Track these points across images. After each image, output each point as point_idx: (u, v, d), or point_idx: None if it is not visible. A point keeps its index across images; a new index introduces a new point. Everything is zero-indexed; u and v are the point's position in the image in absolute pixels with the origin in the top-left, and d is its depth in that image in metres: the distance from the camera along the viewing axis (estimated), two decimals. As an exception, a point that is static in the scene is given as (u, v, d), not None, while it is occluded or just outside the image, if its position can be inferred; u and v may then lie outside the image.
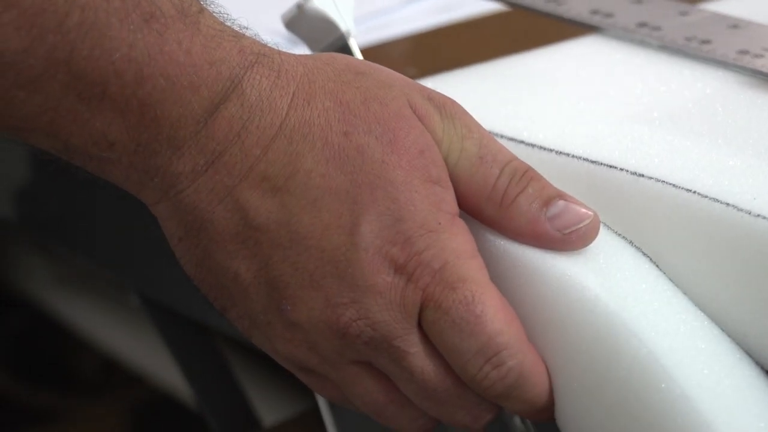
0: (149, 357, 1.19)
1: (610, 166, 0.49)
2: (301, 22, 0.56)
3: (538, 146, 0.51)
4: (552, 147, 0.51)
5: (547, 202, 0.47)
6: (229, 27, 0.47)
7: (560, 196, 0.48)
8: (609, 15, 0.62)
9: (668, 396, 0.44)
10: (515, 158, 0.48)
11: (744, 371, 0.46)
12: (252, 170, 0.46)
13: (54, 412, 1.47)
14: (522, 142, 0.51)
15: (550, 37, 0.62)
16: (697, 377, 0.44)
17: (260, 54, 0.46)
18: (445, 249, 0.46)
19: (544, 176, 0.48)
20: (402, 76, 0.49)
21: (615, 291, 0.46)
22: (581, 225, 0.47)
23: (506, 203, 0.47)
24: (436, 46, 0.67)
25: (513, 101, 0.55)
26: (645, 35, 0.60)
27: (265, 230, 0.46)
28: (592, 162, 0.50)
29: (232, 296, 0.48)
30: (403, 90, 0.48)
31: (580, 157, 0.50)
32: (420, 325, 0.46)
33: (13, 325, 1.43)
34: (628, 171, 0.49)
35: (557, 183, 0.48)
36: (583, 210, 0.47)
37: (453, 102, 0.49)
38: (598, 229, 0.48)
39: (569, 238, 0.47)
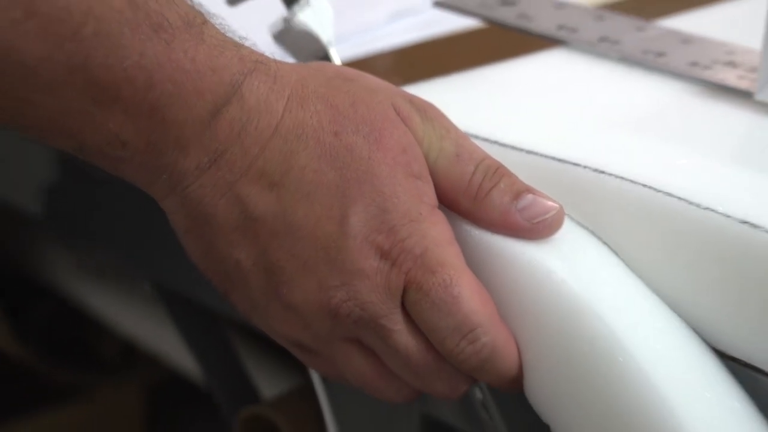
0: (162, 339, 1.18)
1: (575, 164, 0.49)
2: (287, 35, 0.55)
3: (509, 146, 0.51)
4: (522, 147, 0.51)
5: (517, 195, 0.47)
6: (229, 37, 0.46)
7: (529, 190, 0.47)
8: (573, 30, 0.62)
9: (625, 369, 0.44)
10: (488, 156, 0.48)
11: (692, 347, 0.46)
12: (251, 167, 0.45)
13: (78, 389, 1.47)
14: (495, 142, 0.51)
15: (521, 50, 0.62)
16: (650, 352, 0.44)
17: (258, 62, 0.46)
18: (425, 237, 0.46)
19: (514, 173, 0.48)
20: (386, 82, 0.49)
21: (578, 275, 0.46)
22: (548, 215, 0.47)
23: (480, 197, 0.47)
24: (418, 57, 0.67)
25: (487, 106, 0.55)
26: (606, 48, 0.60)
27: (263, 221, 0.46)
28: (558, 160, 0.50)
29: (234, 282, 0.48)
30: (387, 94, 0.48)
31: (547, 156, 0.50)
32: (403, 306, 0.46)
33: (41, 312, 1.43)
34: (590, 168, 0.49)
35: (526, 179, 0.48)
36: (550, 202, 0.47)
37: (432, 106, 0.49)
38: (563, 219, 0.47)
39: (537, 228, 0.47)
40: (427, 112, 0.48)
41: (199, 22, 0.45)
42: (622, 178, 0.48)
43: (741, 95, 0.55)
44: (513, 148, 0.51)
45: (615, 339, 0.44)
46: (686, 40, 0.61)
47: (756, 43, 0.54)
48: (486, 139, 0.51)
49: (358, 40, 0.69)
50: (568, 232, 0.48)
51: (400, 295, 0.46)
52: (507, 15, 0.64)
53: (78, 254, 1.27)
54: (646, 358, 0.44)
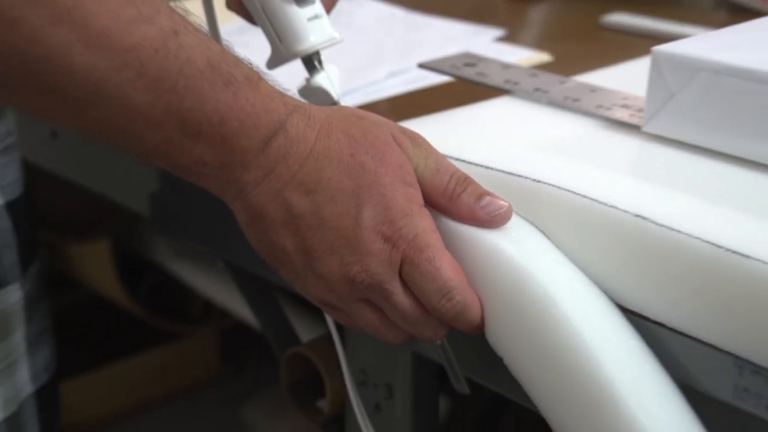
0: (231, 299, 1.18)
1: (518, 175, 0.48)
2: (307, 90, 0.54)
3: (473, 163, 0.50)
4: (481, 163, 0.50)
5: (479, 197, 0.46)
6: (277, 89, 0.45)
7: (487, 193, 0.47)
8: (516, 83, 0.61)
9: (554, 317, 0.43)
10: (459, 170, 0.47)
11: (602, 302, 0.45)
12: (293, 179, 0.44)
13: (173, 334, 1.47)
14: (463, 160, 0.50)
15: (479, 97, 0.61)
16: (572, 306, 0.43)
17: (297, 105, 0.45)
18: (416, 226, 0.45)
19: (477, 181, 0.47)
20: (386, 119, 0.48)
21: (523, 253, 0.45)
22: (501, 211, 0.46)
23: (454, 198, 0.46)
24: (407, 103, 0.67)
25: (456, 136, 0.54)
26: (539, 96, 0.59)
27: (301, 217, 0.45)
28: (507, 172, 0.49)
29: (281, 260, 0.47)
30: (388, 127, 0.47)
31: (498, 170, 0.49)
32: (401, 275, 0.45)
33: (149, 280, 1.43)
34: (529, 178, 0.48)
35: (484, 185, 0.47)
36: (502, 202, 0.46)
37: (420, 135, 0.48)
38: (512, 213, 0.47)
39: (494, 220, 0.46)
40: (416, 139, 0.47)
41: (256, 78, 0.44)
42: (551, 185, 0.47)
43: (632, 128, 0.54)
44: (475, 164, 0.50)
45: (548, 297, 0.43)
46: (594, 89, 0.60)
47: (641, 92, 0.54)
48: (456, 159, 0.50)
49: (365, 91, 0.68)
50: (515, 223, 0.47)
51: (398, 268, 0.45)
52: (469, 73, 0.63)
53: (175, 242, 1.27)
54: (569, 310, 0.43)
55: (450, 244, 0.46)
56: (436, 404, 0.63)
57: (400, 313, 0.46)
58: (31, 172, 0.67)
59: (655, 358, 0.43)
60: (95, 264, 1.40)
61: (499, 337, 0.46)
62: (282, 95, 0.45)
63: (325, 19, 0.53)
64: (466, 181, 0.47)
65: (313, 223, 0.45)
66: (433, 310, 0.45)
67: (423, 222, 0.45)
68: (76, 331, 1.21)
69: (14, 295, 0.62)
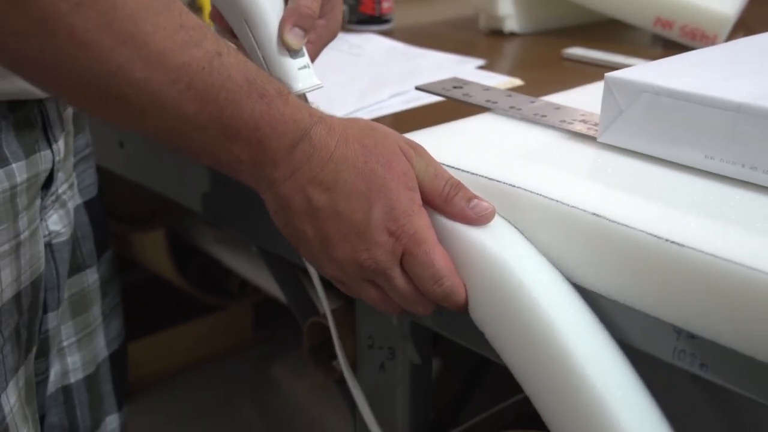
0: (262, 277, 1.18)
1: (499, 181, 0.47)
2: None
3: (462, 170, 0.49)
4: (468, 170, 0.49)
5: (469, 200, 0.45)
6: (303, 102, 0.45)
7: (475, 196, 0.46)
8: (495, 102, 0.60)
9: (524, 299, 0.43)
10: (452, 176, 0.47)
11: (565, 286, 0.44)
12: (315, 178, 0.44)
13: (215, 307, 1.47)
14: (456, 168, 0.49)
15: (465, 113, 0.60)
16: (539, 289, 0.43)
17: (320, 117, 0.44)
18: (415, 224, 0.44)
19: (467, 186, 0.47)
20: (393, 131, 0.47)
21: (503, 247, 0.45)
22: (486, 212, 0.45)
23: (448, 200, 0.45)
24: (407, 118, 0.65)
25: (448, 145, 0.53)
26: (514, 113, 0.58)
27: (321, 210, 0.44)
28: (489, 178, 0.48)
29: (302, 243, 0.46)
30: (394, 138, 0.46)
31: (482, 176, 0.48)
32: (401, 263, 0.44)
33: (196, 261, 1.43)
34: (507, 183, 0.47)
35: (472, 189, 0.46)
36: (486, 203, 0.46)
37: (421, 146, 0.47)
38: (495, 213, 0.46)
39: (480, 219, 0.45)
40: (417, 149, 0.47)
41: (286, 93, 0.43)
42: (525, 189, 0.46)
43: (590, 139, 0.53)
44: (464, 171, 0.49)
45: (520, 283, 0.43)
46: (558, 107, 0.59)
47: (596, 109, 0.53)
48: (449, 166, 0.49)
49: (373, 108, 0.67)
50: (498, 222, 0.46)
51: (399, 257, 0.44)
52: (457, 94, 0.62)
53: (217, 231, 1.26)
54: (537, 294, 0.43)
55: (443, 237, 0.45)
56: (429, 364, 0.62)
57: (398, 293, 0.45)
58: (102, 176, 0.67)
59: (606, 329, 0.43)
60: (153, 249, 1.40)
61: (481, 315, 0.45)
62: (308, 108, 0.44)
63: (311, 69, 0.53)
64: (458, 186, 0.46)
65: (330, 215, 0.44)
66: (426, 293, 0.45)
67: (421, 221, 0.44)
68: (139, 304, 1.21)
69: (92, 276, 0.62)
